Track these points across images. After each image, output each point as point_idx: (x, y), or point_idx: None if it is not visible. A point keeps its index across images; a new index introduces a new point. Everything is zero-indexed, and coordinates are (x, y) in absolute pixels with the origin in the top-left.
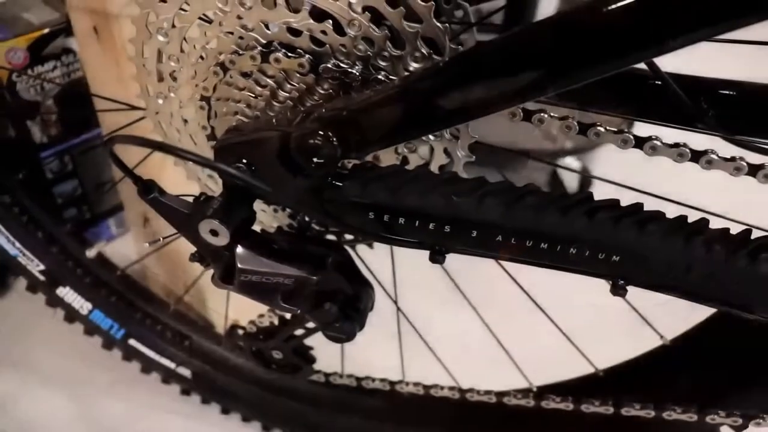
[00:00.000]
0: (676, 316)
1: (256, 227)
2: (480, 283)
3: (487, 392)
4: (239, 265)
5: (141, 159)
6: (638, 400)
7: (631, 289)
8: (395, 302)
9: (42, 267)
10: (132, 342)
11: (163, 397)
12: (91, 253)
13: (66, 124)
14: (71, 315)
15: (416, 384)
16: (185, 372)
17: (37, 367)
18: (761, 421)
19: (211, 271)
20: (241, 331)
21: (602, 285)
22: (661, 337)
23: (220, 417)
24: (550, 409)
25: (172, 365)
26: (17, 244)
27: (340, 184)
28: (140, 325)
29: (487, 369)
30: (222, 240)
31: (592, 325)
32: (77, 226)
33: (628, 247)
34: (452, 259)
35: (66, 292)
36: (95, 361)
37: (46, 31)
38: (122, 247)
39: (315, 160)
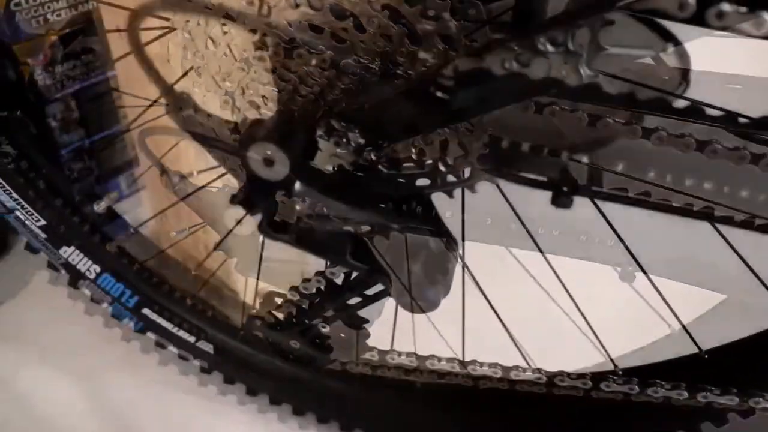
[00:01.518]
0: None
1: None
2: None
3: (501, 380)
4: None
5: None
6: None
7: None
8: (409, 292)
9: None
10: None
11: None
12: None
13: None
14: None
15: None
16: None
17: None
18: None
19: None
20: (258, 322)
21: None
22: (669, 326)
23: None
24: (563, 395)
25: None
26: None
27: (361, 174)
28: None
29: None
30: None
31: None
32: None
33: None
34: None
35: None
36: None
37: (67, 30)
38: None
39: (338, 151)
